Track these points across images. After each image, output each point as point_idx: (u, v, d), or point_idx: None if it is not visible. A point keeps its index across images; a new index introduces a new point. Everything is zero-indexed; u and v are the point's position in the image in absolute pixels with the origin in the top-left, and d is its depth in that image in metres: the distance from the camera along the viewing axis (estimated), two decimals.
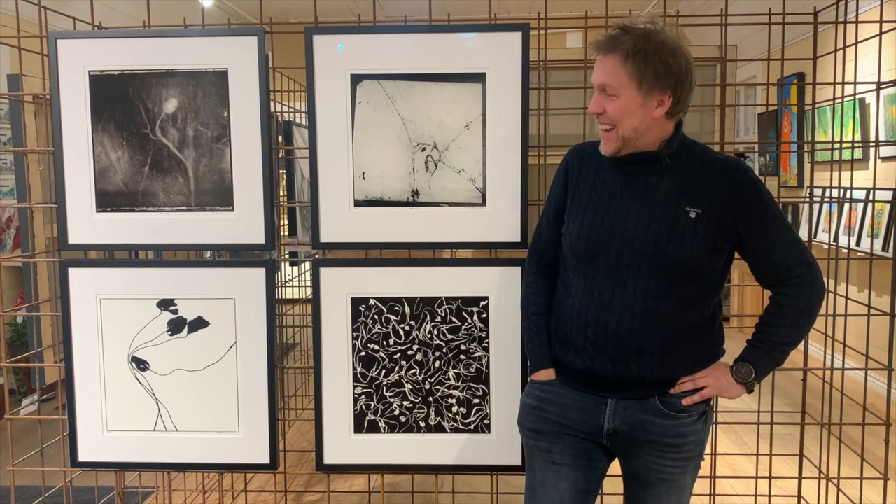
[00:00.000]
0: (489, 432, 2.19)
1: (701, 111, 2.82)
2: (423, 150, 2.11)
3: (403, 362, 2.18)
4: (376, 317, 2.17)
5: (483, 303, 2.15)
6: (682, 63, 1.50)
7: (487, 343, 2.16)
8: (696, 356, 1.60)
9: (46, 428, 2.74)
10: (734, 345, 1.64)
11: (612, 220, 1.58)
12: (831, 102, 2.47)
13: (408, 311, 2.16)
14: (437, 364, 2.17)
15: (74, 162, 2.15)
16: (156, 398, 2.23)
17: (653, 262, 1.54)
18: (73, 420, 2.24)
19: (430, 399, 2.18)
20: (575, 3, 7.11)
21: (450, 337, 2.16)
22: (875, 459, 2.73)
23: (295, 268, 4.49)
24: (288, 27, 4.43)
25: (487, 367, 2.16)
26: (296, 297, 4.24)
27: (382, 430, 2.20)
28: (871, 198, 4.20)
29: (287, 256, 3.82)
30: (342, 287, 2.17)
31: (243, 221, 2.15)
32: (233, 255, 2.95)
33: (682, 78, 1.51)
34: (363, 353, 2.18)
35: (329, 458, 2.22)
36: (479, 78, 2.07)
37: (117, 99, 2.13)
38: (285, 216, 3.75)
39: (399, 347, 2.17)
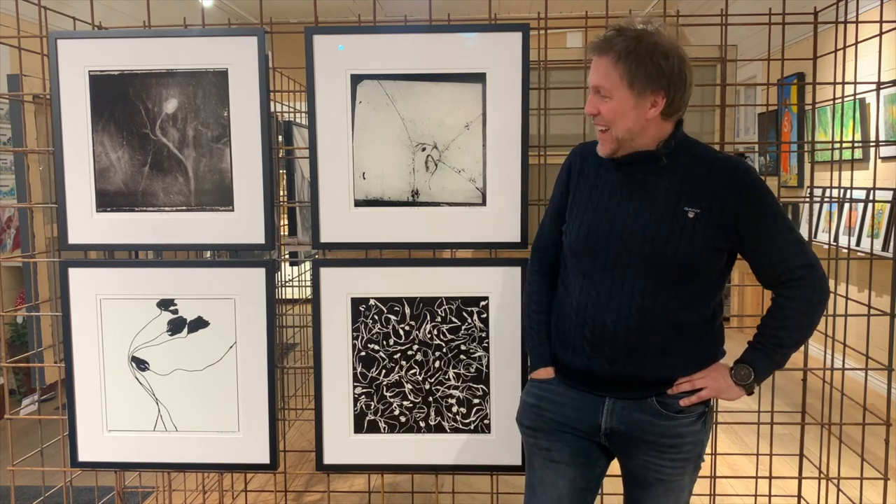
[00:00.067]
0: (489, 432, 2.19)
1: (701, 111, 2.82)
2: (423, 150, 2.11)
3: (403, 362, 2.18)
4: (376, 317, 2.17)
5: (483, 303, 2.15)
6: (674, 64, 1.49)
7: (487, 343, 2.16)
8: (695, 357, 1.60)
9: (46, 428, 2.74)
10: (734, 345, 1.64)
11: (611, 220, 1.58)
12: (831, 102, 2.47)
13: (408, 311, 2.16)
14: (437, 364, 2.17)
15: (74, 162, 2.15)
16: (156, 398, 2.23)
17: (650, 261, 1.54)
18: (73, 420, 2.24)
19: (430, 399, 2.18)
20: (575, 3, 7.11)
21: (450, 337, 2.16)
22: (875, 459, 2.73)
23: (295, 268, 4.49)
24: (288, 27, 4.43)
25: (487, 367, 2.16)
26: (296, 297, 4.24)
27: (382, 430, 2.20)
28: (871, 198, 4.20)
29: (287, 256, 3.82)
30: (342, 287, 2.17)
31: (243, 221, 2.15)
32: (233, 255, 2.95)
33: (675, 79, 1.50)
34: (363, 353, 2.18)
35: (329, 458, 2.22)
36: (479, 78, 2.07)
37: (117, 99, 2.13)
38: (285, 216, 3.75)
39: (399, 347, 2.17)
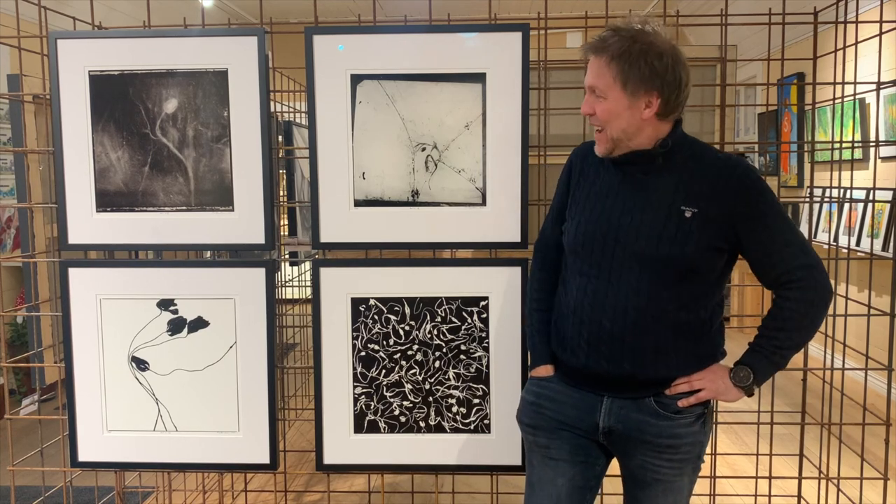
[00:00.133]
0: (489, 432, 2.19)
1: (701, 111, 2.82)
2: (423, 150, 2.11)
3: (403, 362, 2.18)
4: (376, 317, 2.17)
5: (483, 303, 2.15)
6: (668, 64, 1.49)
7: (487, 343, 2.16)
8: (692, 357, 1.59)
9: (46, 428, 2.74)
10: (734, 345, 1.64)
11: (608, 219, 1.58)
12: (831, 102, 2.47)
13: (408, 311, 2.16)
14: (437, 364, 2.17)
15: (74, 162, 2.15)
16: (156, 398, 2.23)
17: (645, 260, 1.53)
18: (73, 420, 2.24)
19: (430, 399, 2.18)
20: (575, 3, 7.11)
21: (450, 337, 2.16)
22: (875, 459, 2.73)
23: (295, 268, 4.49)
24: (288, 27, 4.43)
25: (487, 367, 2.16)
26: (296, 297, 4.24)
27: (382, 430, 2.20)
28: (871, 198, 4.20)
29: (287, 256, 3.82)
30: (342, 287, 2.17)
31: (243, 221, 2.15)
32: (233, 255, 2.95)
33: (669, 79, 1.50)
34: (363, 353, 2.18)
35: (329, 458, 2.22)
36: (479, 78, 2.07)
37: (117, 99, 2.13)
38: (285, 216, 3.75)
39: (399, 347, 2.17)
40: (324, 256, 2.34)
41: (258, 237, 2.16)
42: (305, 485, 3.11)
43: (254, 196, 2.14)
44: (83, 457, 2.26)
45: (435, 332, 2.16)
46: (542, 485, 1.68)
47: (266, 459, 2.24)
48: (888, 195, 4.26)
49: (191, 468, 2.32)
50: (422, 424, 2.19)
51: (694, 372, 1.59)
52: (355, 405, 2.20)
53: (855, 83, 2.39)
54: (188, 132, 2.14)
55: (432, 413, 2.19)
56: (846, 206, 4.57)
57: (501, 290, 2.14)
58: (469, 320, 2.15)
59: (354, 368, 2.19)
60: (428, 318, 2.16)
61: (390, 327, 2.17)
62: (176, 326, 2.21)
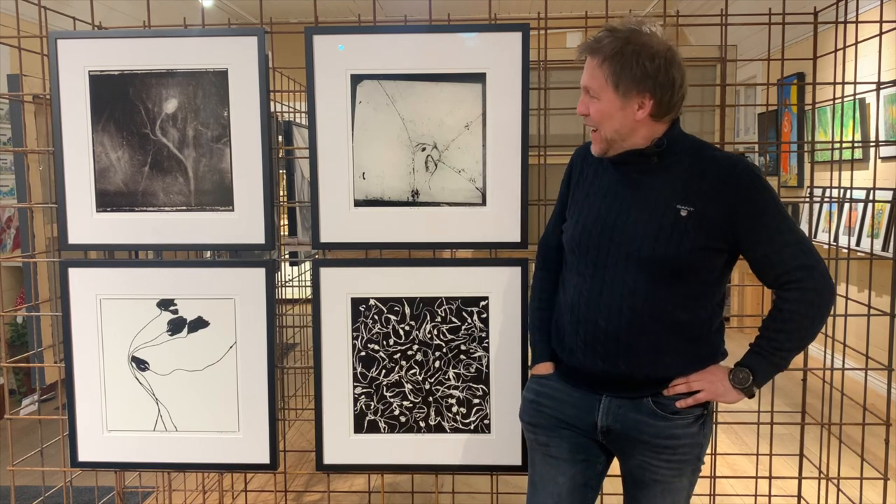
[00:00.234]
0: (489, 432, 2.19)
1: (701, 111, 2.82)
2: (423, 150, 2.11)
3: (403, 362, 2.18)
4: (376, 317, 2.17)
5: (483, 303, 2.15)
6: (660, 65, 1.48)
7: (487, 343, 2.16)
8: (690, 357, 1.58)
9: (46, 428, 2.74)
10: (734, 345, 1.63)
11: (604, 219, 1.58)
12: (831, 102, 2.47)
13: (408, 311, 2.16)
14: (437, 364, 2.17)
15: (74, 162, 2.15)
16: (156, 398, 2.23)
17: (641, 260, 1.53)
18: (73, 420, 2.24)
19: (430, 399, 2.18)
20: (575, 3, 7.11)
21: (450, 337, 2.16)
22: (875, 459, 2.73)
23: (295, 268, 4.49)
24: (288, 27, 4.43)
25: (487, 367, 2.16)
26: (296, 297, 4.24)
27: (382, 430, 2.20)
28: (871, 198, 4.20)
29: (287, 256, 3.82)
30: (342, 287, 2.17)
31: (243, 221, 2.15)
32: (233, 255, 2.95)
33: (662, 80, 1.49)
34: (363, 353, 2.18)
35: (329, 458, 2.22)
36: (479, 78, 2.07)
37: (117, 99, 2.13)
38: (285, 216, 3.75)
39: (399, 347, 2.17)
40: (324, 256, 2.34)
41: (258, 237, 2.16)
42: (305, 485, 3.11)
43: (254, 196, 2.14)
44: (83, 457, 2.26)
45: (435, 332, 2.16)
46: (543, 483, 1.68)
47: (266, 459, 2.24)
48: (888, 195, 4.26)
49: (191, 468, 2.32)
50: (422, 424, 2.19)
51: (693, 372, 1.58)
52: (355, 405, 2.20)
53: (855, 83, 2.39)
54: (188, 132, 2.14)
55: (432, 413, 2.19)
56: (846, 206, 4.57)
57: (501, 290, 2.14)
58: (469, 320, 2.15)
59: (354, 368, 2.19)
60: (428, 318, 2.16)
61: (390, 327, 2.17)
62: (176, 326, 2.21)
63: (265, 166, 2.14)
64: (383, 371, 2.18)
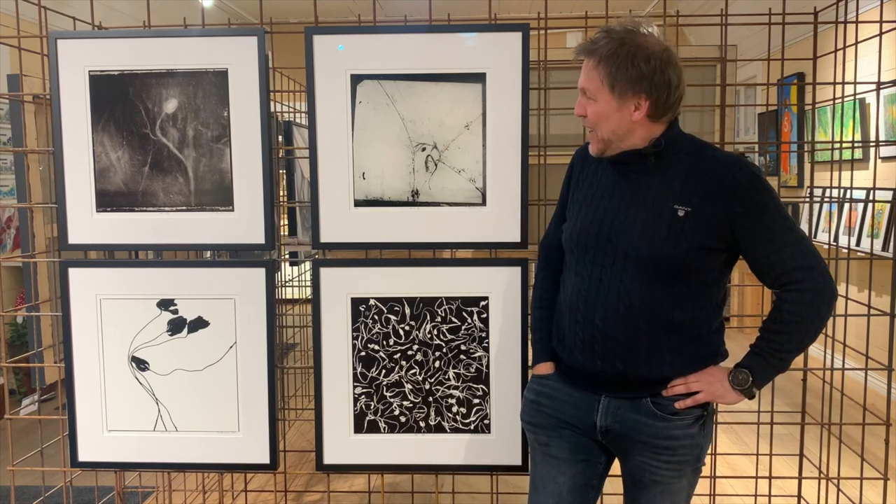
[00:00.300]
0: (489, 432, 2.19)
1: (701, 111, 2.82)
2: (423, 150, 2.11)
3: (403, 362, 2.18)
4: (376, 317, 2.17)
5: (483, 303, 2.15)
6: (655, 66, 1.48)
7: (487, 343, 2.16)
8: (688, 358, 1.57)
9: (46, 428, 2.74)
10: (734, 345, 1.63)
11: (601, 218, 1.58)
12: (831, 102, 2.47)
13: (408, 311, 2.16)
14: (437, 364, 2.17)
15: (74, 162, 2.15)
16: (156, 398, 2.23)
17: (638, 260, 1.53)
18: (73, 420, 2.24)
19: (430, 399, 2.18)
20: (575, 3, 7.10)
21: (450, 337, 2.16)
22: (875, 459, 2.73)
23: (295, 268, 4.49)
24: (288, 27, 4.43)
25: (487, 367, 2.16)
26: (296, 297, 4.24)
27: (382, 430, 2.20)
28: (871, 198, 4.20)
29: (287, 256, 3.82)
30: (342, 287, 2.17)
31: (243, 221, 2.15)
32: (233, 255, 2.95)
33: (657, 81, 1.48)
34: (363, 353, 2.18)
35: (329, 458, 2.22)
36: (479, 78, 2.07)
37: (117, 99, 2.13)
38: (285, 216, 3.75)
39: (399, 347, 2.17)
40: (324, 256, 2.34)
41: (258, 237, 2.16)
42: (305, 485, 3.11)
43: (254, 196, 2.14)
44: (83, 457, 2.26)
45: (435, 332, 2.16)
46: (544, 483, 1.69)
47: (266, 459, 2.24)
48: (888, 195, 4.26)
49: (191, 468, 2.32)
50: (422, 424, 2.19)
51: (692, 373, 1.57)
52: (355, 405, 2.20)
53: (855, 83, 2.39)
54: (188, 132, 2.14)
55: (432, 413, 2.19)
56: (846, 206, 4.57)
57: (501, 290, 2.14)
58: (469, 320, 2.15)
59: (354, 368, 2.19)
60: (428, 318, 2.16)
61: (390, 327, 2.17)
62: (176, 326, 2.21)
63: (265, 166, 2.14)
64: (383, 371, 2.18)
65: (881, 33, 2.33)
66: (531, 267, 2.12)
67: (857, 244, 4.46)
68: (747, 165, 1.52)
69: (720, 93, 2.43)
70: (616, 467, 1.72)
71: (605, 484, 1.75)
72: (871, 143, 4.07)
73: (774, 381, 1.63)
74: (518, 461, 2.19)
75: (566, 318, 1.63)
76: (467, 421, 2.19)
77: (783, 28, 2.34)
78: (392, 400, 2.19)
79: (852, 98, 2.76)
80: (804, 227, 5.12)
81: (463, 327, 2.16)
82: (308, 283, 4.10)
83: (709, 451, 1.82)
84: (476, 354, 2.16)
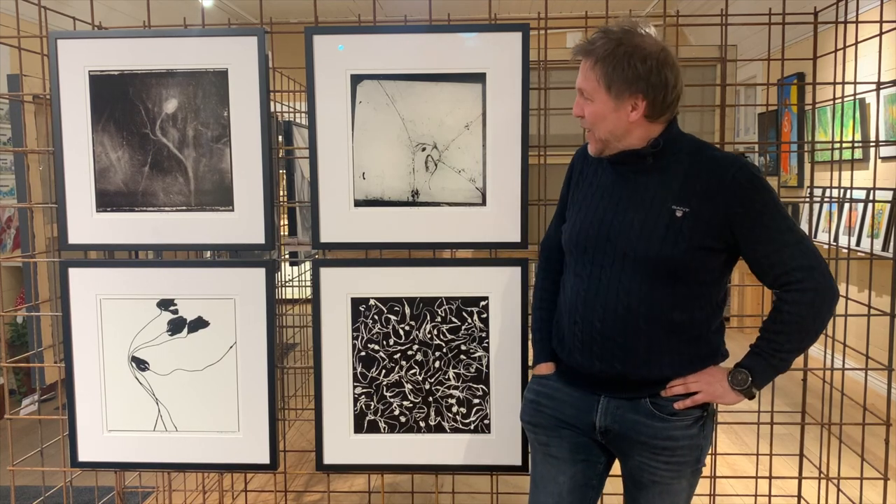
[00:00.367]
0: (489, 432, 2.19)
1: (701, 111, 2.82)
2: (423, 150, 2.11)
3: (403, 362, 2.18)
4: (376, 317, 2.17)
5: (483, 303, 2.15)
6: (652, 67, 1.47)
7: (487, 343, 2.16)
8: (687, 358, 1.57)
9: (46, 428, 2.74)
10: (734, 345, 1.63)
11: (600, 219, 1.58)
12: (831, 102, 2.47)
13: (408, 311, 2.16)
14: (437, 364, 2.17)
15: (74, 162, 2.15)
16: (156, 398, 2.23)
17: (637, 260, 1.53)
18: (73, 420, 2.24)
19: (430, 399, 2.18)
20: (575, 3, 7.10)
21: (450, 337, 2.16)
22: (875, 459, 2.73)
23: (295, 268, 4.49)
24: (288, 27, 4.43)
25: (487, 367, 2.16)
26: (296, 297, 4.24)
27: (382, 430, 2.20)
28: (871, 198, 4.20)
29: (287, 256, 3.82)
30: (342, 287, 2.17)
31: (243, 221, 2.15)
32: (233, 255, 2.95)
33: (654, 82, 1.48)
34: (363, 353, 2.18)
35: (329, 458, 2.22)
36: (479, 78, 2.07)
37: (117, 99, 2.13)
38: (285, 216, 3.75)
39: (399, 347, 2.17)
40: (324, 256, 2.34)
41: (258, 237, 2.16)
42: (305, 485, 3.11)
43: (254, 196, 2.14)
44: (83, 457, 2.26)
45: (435, 332, 2.16)
46: (544, 483, 1.69)
47: (266, 459, 2.24)
48: (888, 195, 4.26)
49: (191, 468, 2.32)
50: (422, 424, 2.19)
51: (692, 373, 1.57)
52: (355, 405, 2.20)
53: (855, 83, 2.39)
54: (188, 132, 2.14)
55: (432, 413, 2.19)
56: (846, 206, 4.57)
57: (501, 290, 2.14)
58: (469, 320, 2.15)
59: (354, 368, 2.19)
60: (428, 318, 2.16)
61: (390, 327, 2.17)
62: (176, 326, 2.21)
63: (265, 166, 2.14)
64: (383, 371, 2.18)
65: (881, 33, 2.33)
66: (531, 267, 2.12)
67: (857, 244, 4.47)
68: (747, 165, 1.51)
69: (720, 93, 2.43)
70: (616, 467, 1.72)
71: (605, 484, 1.75)
72: (871, 143, 4.07)
73: (774, 380, 1.63)
74: (518, 461, 2.19)
75: (565, 318, 1.63)
76: (467, 421, 2.19)
77: (783, 28, 2.34)
78: (392, 400, 2.19)
79: (852, 98, 2.76)
80: (804, 227, 5.12)
81: (463, 327, 2.16)
82: (308, 283, 4.10)
83: (709, 452, 1.82)
84: (476, 354, 2.16)
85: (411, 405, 2.19)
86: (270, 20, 2.43)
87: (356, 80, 2.09)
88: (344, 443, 2.21)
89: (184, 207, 2.16)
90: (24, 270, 2.67)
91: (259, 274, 2.18)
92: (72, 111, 2.14)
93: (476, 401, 2.18)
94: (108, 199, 2.17)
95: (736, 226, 1.50)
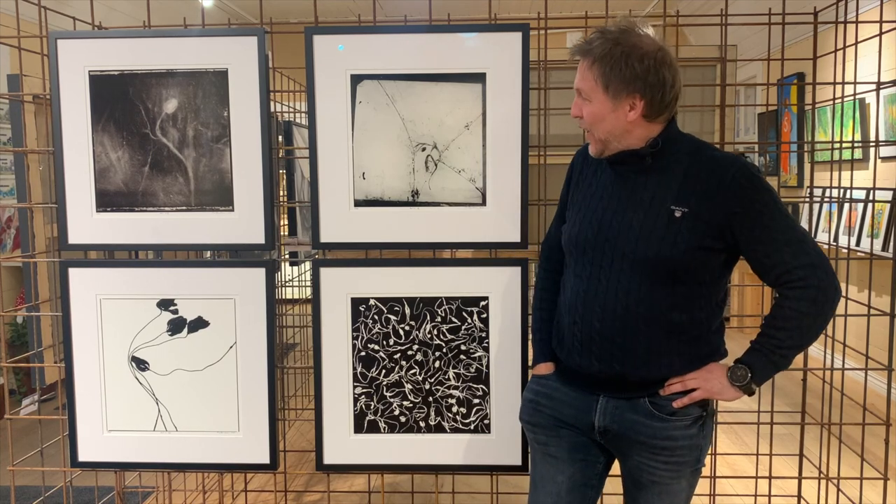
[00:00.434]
0: (489, 432, 2.19)
1: (701, 111, 2.82)
2: (423, 150, 2.11)
3: (403, 362, 2.18)
4: (376, 317, 2.17)
5: (483, 303, 2.15)
6: (649, 66, 1.47)
7: (487, 343, 2.16)
8: (687, 358, 1.57)
9: (46, 428, 2.74)
10: (734, 345, 1.63)
11: (600, 219, 1.58)
12: (831, 102, 2.47)
13: (408, 311, 2.16)
14: (437, 364, 2.17)
15: (74, 162, 2.15)
16: (156, 398, 2.23)
17: (636, 261, 1.52)
18: (73, 420, 2.24)
19: (430, 399, 2.18)
20: (575, 3, 7.10)
21: (450, 337, 2.16)
22: (875, 459, 2.73)
23: (295, 268, 4.49)
24: (288, 27, 4.43)
25: (487, 367, 2.16)
26: (296, 297, 4.24)
27: (382, 430, 2.20)
28: (871, 198, 4.20)
29: (287, 256, 3.82)
30: (342, 287, 2.17)
31: (243, 221, 2.15)
32: (233, 255, 2.95)
33: (652, 81, 1.48)
34: (363, 353, 2.18)
35: (329, 458, 2.22)
36: (479, 78, 2.07)
37: (117, 99, 2.13)
38: (285, 216, 3.75)
39: (399, 347, 2.17)
40: (324, 256, 2.34)
41: (258, 237, 2.16)
42: (305, 485, 3.11)
43: (254, 196, 2.14)
44: (83, 457, 2.26)
45: (435, 332, 2.16)
46: (543, 482, 1.69)
47: (266, 459, 2.24)
48: (888, 195, 4.26)
49: (191, 468, 2.32)
50: (422, 424, 2.19)
51: (688, 373, 1.57)
52: (355, 405, 2.20)
53: (855, 83, 2.39)
54: (188, 132, 2.14)
55: (432, 413, 2.19)
56: (846, 206, 4.57)
57: (501, 290, 2.14)
58: (469, 320, 2.15)
59: (354, 368, 2.19)
60: (428, 318, 2.16)
61: (390, 327, 2.17)
62: (176, 326, 2.21)
63: (265, 166, 2.14)
64: (383, 371, 2.18)
65: (881, 33, 2.33)
66: (531, 267, 2.12)
67: (857, 244, 4.46)
68: (747, 166, 1.51)
69: (720, 93, 2.43)
70: (616, 467, 1.72)
71: (605, 484, 1.75)
72: (871, 143, 4.07)
73: (774, 380, 1.63)
74: (518, 461, 2.19)
75: (565, 318, 1.64)
76: (467, 421, 2.19)
77: (783, 28, 2.34)
78: (392, 400, 2.19)
79: (852, 98, 2.76)
80: (804, 226, 5.12)
81: (463, 327, 2.16)
82: (308, 283, 4.10)
83: (709, 452, 1.82)
84: (476, 354, 2.16)
85: (411, 405, 2.19)
86: (270, 20, 2.43)
87: (356, 80, 2.09)
88: (344, 443, 2.21)
89: (184, 207, 2.16)
90: (24, 270, 2.67)
91: (259, 274, 2.18)
92: (72, 111, 2.14)
93: (476, 401, 2.18)
94: (108, 199, 2.17)
95: (736, 226, 1.50)
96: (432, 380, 2.18)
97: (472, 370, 2.17)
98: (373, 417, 2.20)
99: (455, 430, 2.19)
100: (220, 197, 2.15)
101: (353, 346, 2.18)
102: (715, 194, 1.50)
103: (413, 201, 2.12)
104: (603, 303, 1.55)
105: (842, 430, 2.48)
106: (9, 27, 2.55)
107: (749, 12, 2.49)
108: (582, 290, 1.59)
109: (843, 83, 2.38)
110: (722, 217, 1.49)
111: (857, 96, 2.89)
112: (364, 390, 2.19)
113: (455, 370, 2.17)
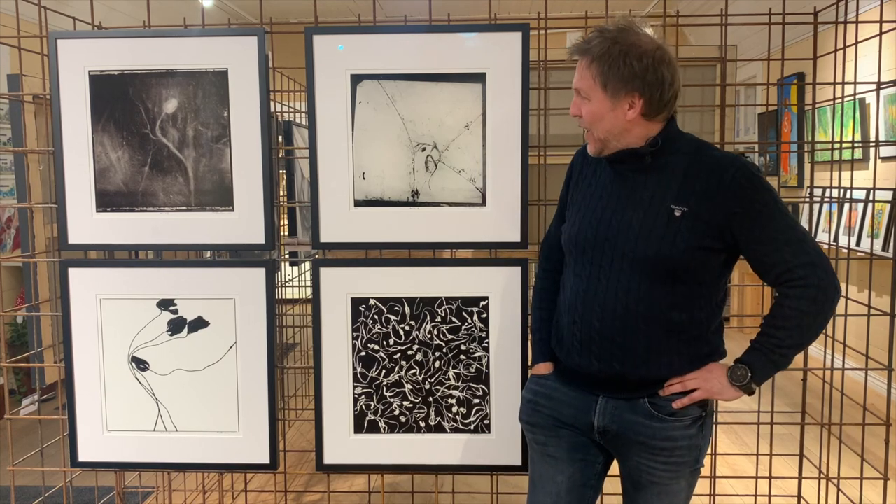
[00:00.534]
0: (489, 432, 2.19)
1: (701, 111, 2.82)
2: (423, 150, 2.11)
3: (403, 362, 2.18)
4: (376, 317, 2.17)
5: (483, 303, 2.15)
6: (648, 65, 1.47)
7: (487, 343, 2.16)
8: (686, 358, 1.57)
9: (46, 428, 2.74)
10: (734, 345, 1.63)
11: (599, 218, 1.58)
12: (831, 102, 2.47)
13: (408, 311, 2.16)
14: (437, 364, 2.17)
15: (74, 162, 2.15)
16: (156, 398, 2.23)
17: (635, 260, 1.52)
18: (73, 420, 2.24)
19: (430, 399, 2.18)
20: (575, 3, 7.10)
21: (450, 337, 2.16)
22: (875, 459, 2.73)
23: (295, 268, 4.49)
24: (288, 27, 4.43)
25: (487, 367, 2.16)
26: (296, 297, 4.24)
27: (382, 430, 2.20)
28: (871, 198, 4.20)
29: (287, 256, 3.82)
30: (342, 287, 2.17)
31: (243, 221, 2.15)
32: (233, 255, 2.95)
33: (650, 80, 1.48)
34: (363, 353, 2.18)
35: (329, 458, 2.22)
36: (479, 78, 2.07)
37: (117, 99, 2.13)
38: (285, 216, 3.75)
39: (399, 347, 2.17)
40: (324, 256, 2.34)
41: (258, 237, 2.16)
42: (305, 485, 3.11)
43: (254, 196, 2.14)
44: (83, 457, 2.26)
45: (435, 332, 2.16)
46: (542, 482, 1.69)
47: (266, 459, 2.24)
48: (888, 195, 4.26)
49: (191, 468, 2.32)
50: (422, 424, 2.19)
51: (688, 373, 1.56)
52: (355, 405, 2.20)
53: (855, 83, 2.39)
54: (188, 132, 2.14)
55: (432, 413, 2.19)
56: (846, 206, 4.57)
57: (501, 290, 2.14)
58: (469, 320, 2.15)
59: (354, 368, 2.19)
60: (428, 318, 2.16)
61: (390, 327, 2.17)
62: (176, 326, 2.21)
63: (265, 166, 2.14)
64: (383, 371, 2.18)
65: (881, 33, 2.33)
66: (531, 267, 2.12)
67: (857, 244, 4.46)
68: (747, 165, 1.51)
69: (720, 93, 2.43)
70: (615, 467, 1.72)
71: (604, 484, 1.75)
72: (871, 143, 4.07)
73: (774, 380, 1.63)
74: (518, 461, 2.19)
75: (565, 318, 1.63)
76: (467, 421, 2.19)
77: (783, 28, 2.34)
78: (392, 400, 2.19)
79: (852, 98, 2.76)
80: (804, 227, 5.12)
81: (463, 327, 2.16)
82: (308, 283, 4.10)
83: (709, 452, 1.82)
84: (476, 354, 2.16)
85: (411, 405, 2.19)
86: (270, 20, 2.43)
87: (356, 80, 2.09)
88: (344, 443, 2.21)
89: (184, 207, 2.16)
90: (24, 270, 2.67)
91: (259, 274, 2.18)
92: (72, 111, 2.14)
93: (476, 401, 2.18)
94: (108, 199, 2.17)
95: (736, 226, 1.50)
96: (432, 380, 2.18)
97: (472, 370, 2.17)
98: (373, 417, 2.20)
99: (455, 431, 2.19)
100: (220, 197, 2.15)
101: (353, 346, 2.18)
102: (715, 194, 1.49)
103: (413, 201, 2.12)
104: (602, 302, 1.55)
105: (842, 430, 2.48)
106: (9, 27, 2.55)
107: (749, 12, 2.49)
108: (581, 290, 1.59)
109: (843, 83, 2.38)
110: (722, 217, 1.49)
111: (857, 96, 2.89)
112: (364, 390, 2.19)
113: (455, 370, 2.17)
